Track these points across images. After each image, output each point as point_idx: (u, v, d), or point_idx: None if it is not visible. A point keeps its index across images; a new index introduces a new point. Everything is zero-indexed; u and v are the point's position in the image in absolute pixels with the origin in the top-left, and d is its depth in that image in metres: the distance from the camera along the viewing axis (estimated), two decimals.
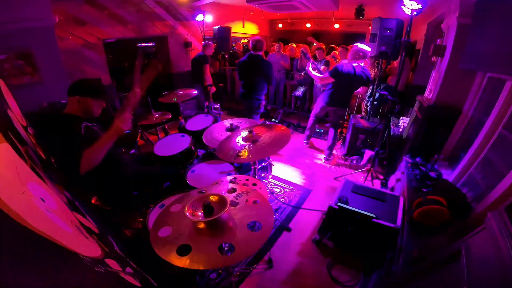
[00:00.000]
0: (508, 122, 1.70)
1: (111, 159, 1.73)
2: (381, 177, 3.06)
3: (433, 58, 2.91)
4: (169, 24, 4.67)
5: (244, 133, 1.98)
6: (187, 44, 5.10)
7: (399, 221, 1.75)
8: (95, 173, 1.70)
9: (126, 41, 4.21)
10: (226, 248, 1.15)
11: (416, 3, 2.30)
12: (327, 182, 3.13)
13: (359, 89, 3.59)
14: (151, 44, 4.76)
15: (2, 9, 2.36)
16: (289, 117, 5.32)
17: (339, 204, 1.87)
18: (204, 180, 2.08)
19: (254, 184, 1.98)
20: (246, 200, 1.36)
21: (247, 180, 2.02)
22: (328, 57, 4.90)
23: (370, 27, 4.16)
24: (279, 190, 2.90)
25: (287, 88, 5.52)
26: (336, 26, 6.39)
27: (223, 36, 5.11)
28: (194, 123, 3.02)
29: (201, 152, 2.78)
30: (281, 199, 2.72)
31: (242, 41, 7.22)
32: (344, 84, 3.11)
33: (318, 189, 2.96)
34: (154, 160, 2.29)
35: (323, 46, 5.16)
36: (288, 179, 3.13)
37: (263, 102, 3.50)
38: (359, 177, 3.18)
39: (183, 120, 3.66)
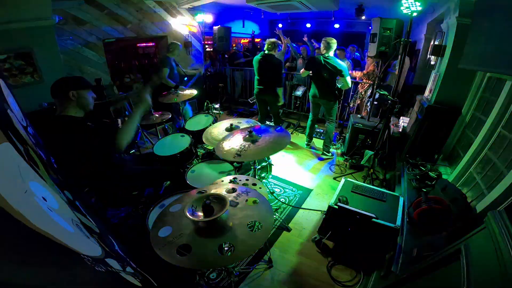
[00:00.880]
0: (508, 122, 1.70)
1: (111, 159, 1.73)
2: (381, 177, 3.06)
3: (433, 58, 2.91)
4: (169, 24, 4.67)
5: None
6: (187, 44, 5.10)
7: (399, 221, 1.75)
8: (95, 173, 1.71)
9: (126, 41, 4.21)
10: (226, 248, 1.15)
11: (416, 3, 2.30)
12: (327, 182, 3.13)
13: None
14: (151, 44, 4.77)
15: (2, 9, 2.36)
16: (289, 117, 5.32)
17: (339, 204, 1.87)
18: (204, 180, 2.08)
19: (254, 184, 1.98)
20: (246, 200, 1.36)
21: (247, 180, 2.02)
22: None
23: (370, 27, 4.16)
24: (279, 190, 2.90)
25: (287, 88, 5.52)
26: (336, 26, 6.40)
27: (223, 36, 5.11)
28: (194, 123, 3.02)
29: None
30: (281, 199, 2.72)
31: (242, 41, 7.23)
32: (316, 74, 3.34)
33: (318, 189, 2.96)
34: (154, 160, 2.29)
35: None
36: (288, 179, 3.13)
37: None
38: (359, 177, 3.18)
39: (183, 120, 3.66)
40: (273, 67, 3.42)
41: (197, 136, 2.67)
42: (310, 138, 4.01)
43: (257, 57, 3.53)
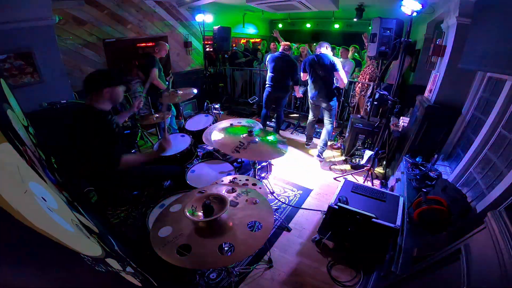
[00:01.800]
0: (508, 122, 1.70)
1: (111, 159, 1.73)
2: (381, 177, 3.07)
3: (433, 58, 2.91)
4: (169, 24, 4.67)
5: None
6: (187, 44, 5.10)
7: (399, 221, 1.75)
8: (95, 173, 1.71)
9: (126, 41, 4.21)
10: (226, 248, 1.15)
11: (416, 3, 2.30)
12: (327, 182, 3.13)
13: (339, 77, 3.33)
14: (151, 44, 4.77)
15: (2, 9, 2.36)
16: (289, 117, 5.32)
17: (339, 204, 1.87)
18: (204, 180, 2.08)
19: (254, 184, 1.98)
20: (246, 200, 1.36)
21: (247, 180, 2.02)
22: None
23: (370, 27, 4.16)
24: (279, 190, 2.90)
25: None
26: (336, 26, 6.40)
27: (223, 36, 5.11)
28: (194, 123, 3.02)
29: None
30: (281, 199, 2.72)
31: (242, 41, 7.23)
32: (312, 75, 3.37)
33: (318, 189, 2.96)
34: (154, 160, 2.29)
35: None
36: (288, 179, 3.13)
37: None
38: (359, 177, 3.18)
39: (183, 120, 3.67)
40: (292, 65, 3.64)
41: (197, 136, 2.67)
42: (309, 138, 4.00)
43: (276, 55, 3.66)
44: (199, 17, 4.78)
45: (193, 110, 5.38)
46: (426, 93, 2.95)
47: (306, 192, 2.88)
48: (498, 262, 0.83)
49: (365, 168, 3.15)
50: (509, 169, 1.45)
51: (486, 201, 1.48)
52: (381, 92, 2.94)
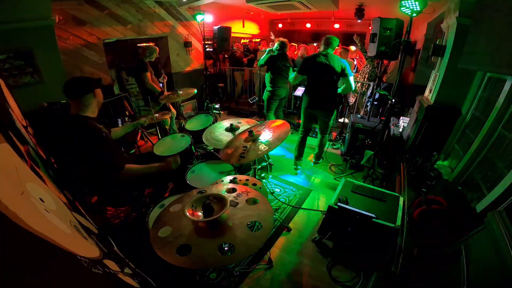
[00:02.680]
0: (508, 122, 1.70)
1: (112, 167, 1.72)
2: (381, 177, 3.06)
3: (433, 58, 2.91)
4: (169, 24, 4.67)
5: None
6: (187, 44, 5.10)
7: (399, 221, 1.75)
8: (95, 173, 1.70)
9: (126, 41, 4.20)
10: (226, 248, 1.15)
11: (416, 3, 2.30)
12: (327, 182, 3.13)
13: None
14: (151, 44, 4.77)
15: (2, 9, 2.36)
16: (288, 117, 5.31)
17: (339, 204, 1.87)
18: (204, 180, 2.08)
19: (254, 184, 1.98)
20: (246, 200, 1.36)
21: (247, 180, 2.02)
22: None
23: (370, 27, 4.16)
24: (279, 190, 2.90)
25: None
26: (336, 26, 6.40)
27: (223, 36, 5.11)
28: (194, 123, 3.02)
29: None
30: (281, 199, 2.72)
31: (242, 41, 7.22)
32: (314, 78, 2.79)
33: (318, 189, 2.96)
34: (154, 160, 2.29)
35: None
36: (288, 179, 3.12)
37: None
38: (359, 177, 3.18)
39: (183, 120, 3.66)
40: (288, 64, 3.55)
41: (197, 136, 2.67)
42: (299, 157, 3.25)
43: (275, 55, 3.52)
44: (199, 17, 4.79)
45: (193, 110, 5.39)
46: (426, 93, 2.95)
47: (306, 192, 2.88)
48: (498, 262, 0.83)
49: (365, 168, 3.15)
50: (509, 169, 1.45)
51: (486, 201, 1.48)
52: (381, 92, 2.94)
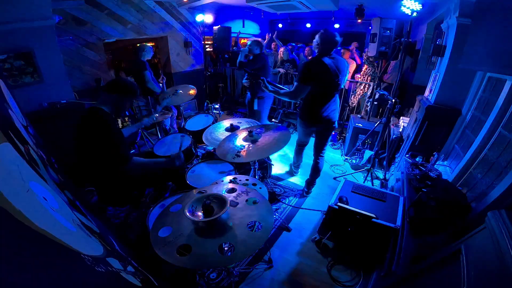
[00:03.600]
0: (508, 122, 1.70)
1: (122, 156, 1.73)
2: (381, 177, 3.07)
3: (433, 58, 2.91)
4: (169, 24, 4.67)
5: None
6: (187, 44, 5.10)
7: (399, 221, 1.75)
8: (95, 173, 1.71)
9: (126, 41, 4.20)
10: (226, 248, 1.15)
11: (416, 3, 2.30)
12: (327, 182, 3.13)
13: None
14: (151, 44, 4.77)
15: (3, 9, 2.36)
16: (289, 117, 5.32)
17: (339, 204, 1.87)
18: (204, 180, 2.08)
19: (254, 184, 1.98)
20: (246, 200, 1.36)
21: (247, 180, 2.02)
22: None
23: (370, 27, 4.16)
24: (279, 190, 2.90)
25: None
26: (336, 26, 6.39)
27: (223, 36, 5.11)
28: (194, 123, 3.02)
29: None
30: (281, 199, 2.72)
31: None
32: (322, 87, 2.23)
33: (318, 189, 2.96)
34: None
35: None
36: (288, 179, 3.12)
37: None
38: (359, 177, 3.18)
39: (183, 120, 3.67)
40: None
41: (197, 136, 2.67)
42: (297, 166, 3.08)
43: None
44: (199, 17, 4.78)
45: (193, 110, 5.39)
46: (426, 93, 2.95)
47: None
48: (498, 262, 0.83)
49: (365, 168, 3.15)
50: (509, 169, 1.45)
51: (486, 201, 1.48)
52: (381, 92, 2.94)
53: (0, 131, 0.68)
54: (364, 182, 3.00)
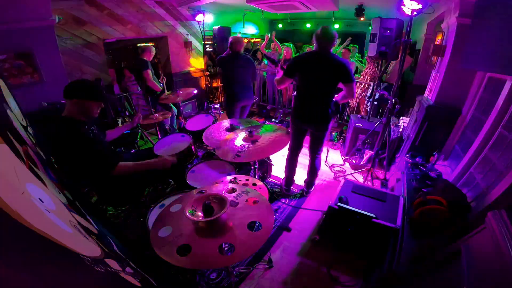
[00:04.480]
0: (508, 122, 1.70)
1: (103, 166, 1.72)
2: (381, 177, 3.06)
3: (433, 58, 2.91)
4: (169, 24, 4.67)
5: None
6: (187, 44, 5.10)
7: (399, 221, 1.75)
8: (95, 173, 1.70)
9: (126, 41, 4.20)
10: (226, 248, 1.15)
11: (416, 3, 2.30)
12: (327, 182, 3.13)
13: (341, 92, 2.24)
14: (151, 44, 4.77)
15: (2, 9, 2.36)
16: (289, 116, 5.32)
17: (339, 204, 1.87)
18: (204, 180, 2.08)
19: (254, 184, 1.98)
20: (246, 200, 1.36)
21: (247, 180, 2.02)
22: None
23: (370, 27, 4.16)
24: (279, 190, 2.89)
25: (287, 87, 5.51)
26: (336, 26, 6.38)
27: (223, 36, 5.11)
28: (194, 123, 3.02)
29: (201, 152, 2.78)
30: (281, 199, 2.72)
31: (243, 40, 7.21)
32: (306, 82, 2.18)
33: (318, 189, 2.96)
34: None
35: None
36: None
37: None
38: (359, 177, 3.18)
39: (183, 120, 3.67)
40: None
41: (197, 136, 2.67)
42: (289, 183, 2.80)
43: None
44: (199, 17, 4.78)
45: (193, 110, 5.38)
46: (426, 93, 2.95)
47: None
48: (498, 262, 0.83)
49: (365, 168, 3.15)
50: (509, 169, 1.45)
51: (486, 201, 1.48)
52: (381, 92, 2.94)
53: None
54: (364, 182, 3.00)
